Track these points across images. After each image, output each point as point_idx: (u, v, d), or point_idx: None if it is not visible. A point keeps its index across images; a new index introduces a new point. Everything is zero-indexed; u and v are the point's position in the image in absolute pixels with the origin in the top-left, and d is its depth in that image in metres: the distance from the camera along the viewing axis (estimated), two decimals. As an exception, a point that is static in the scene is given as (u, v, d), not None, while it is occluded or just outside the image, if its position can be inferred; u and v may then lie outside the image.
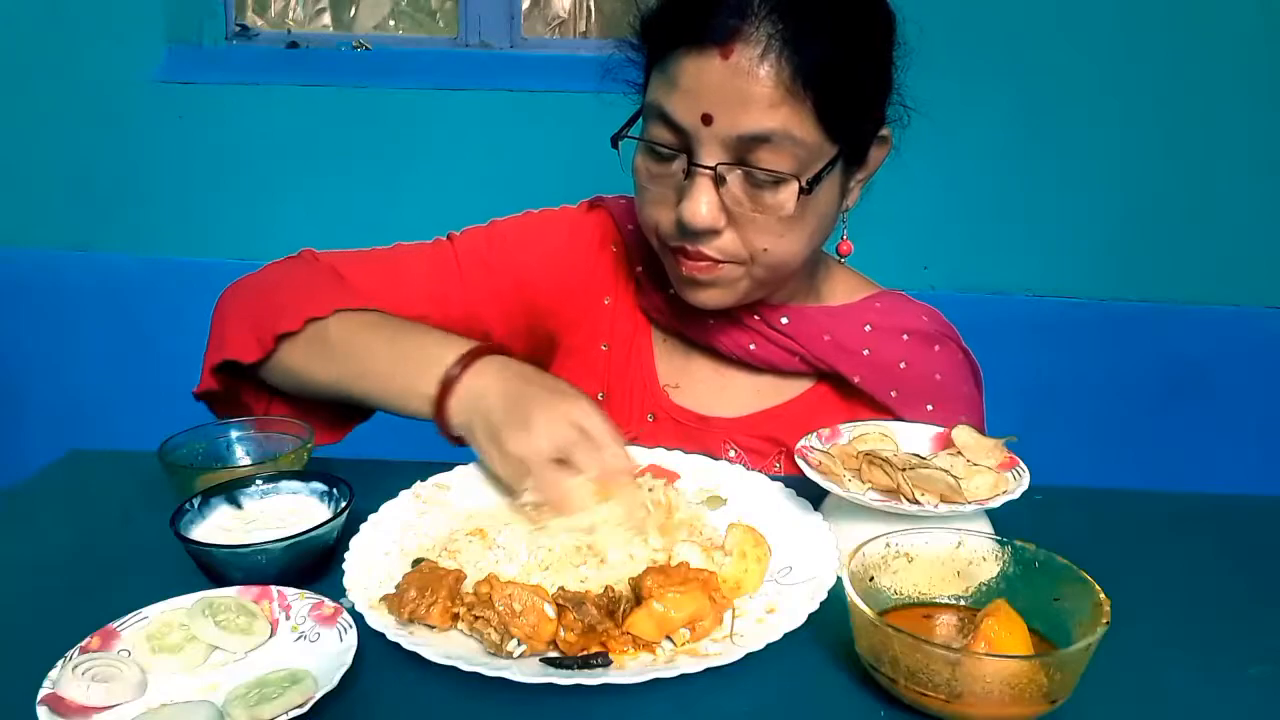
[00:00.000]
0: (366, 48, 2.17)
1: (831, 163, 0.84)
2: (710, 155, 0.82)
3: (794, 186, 0.82)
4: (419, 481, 0.81)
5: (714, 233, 0.85)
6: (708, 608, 0.63)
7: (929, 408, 0.98)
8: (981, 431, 0.80)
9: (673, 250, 0.89)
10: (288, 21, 2.33)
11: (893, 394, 0.98)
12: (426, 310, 0.96)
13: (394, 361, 0.86)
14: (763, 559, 0.70)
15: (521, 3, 2.13)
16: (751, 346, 0.98)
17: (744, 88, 0.79)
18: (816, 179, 0.83)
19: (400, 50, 2.19)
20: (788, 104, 0.80)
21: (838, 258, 1.03)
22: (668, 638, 0.62)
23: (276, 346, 0.90)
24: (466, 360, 0.81)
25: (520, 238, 1.03)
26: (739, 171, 0.82)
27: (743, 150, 0.81)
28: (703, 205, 0.83)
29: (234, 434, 0.87)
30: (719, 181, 0.83)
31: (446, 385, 0.81)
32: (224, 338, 0.92)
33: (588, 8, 2.31)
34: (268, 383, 0.95)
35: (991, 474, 0.73)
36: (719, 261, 0.87)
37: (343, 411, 0.97)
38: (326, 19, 2.37)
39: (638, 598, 0.63)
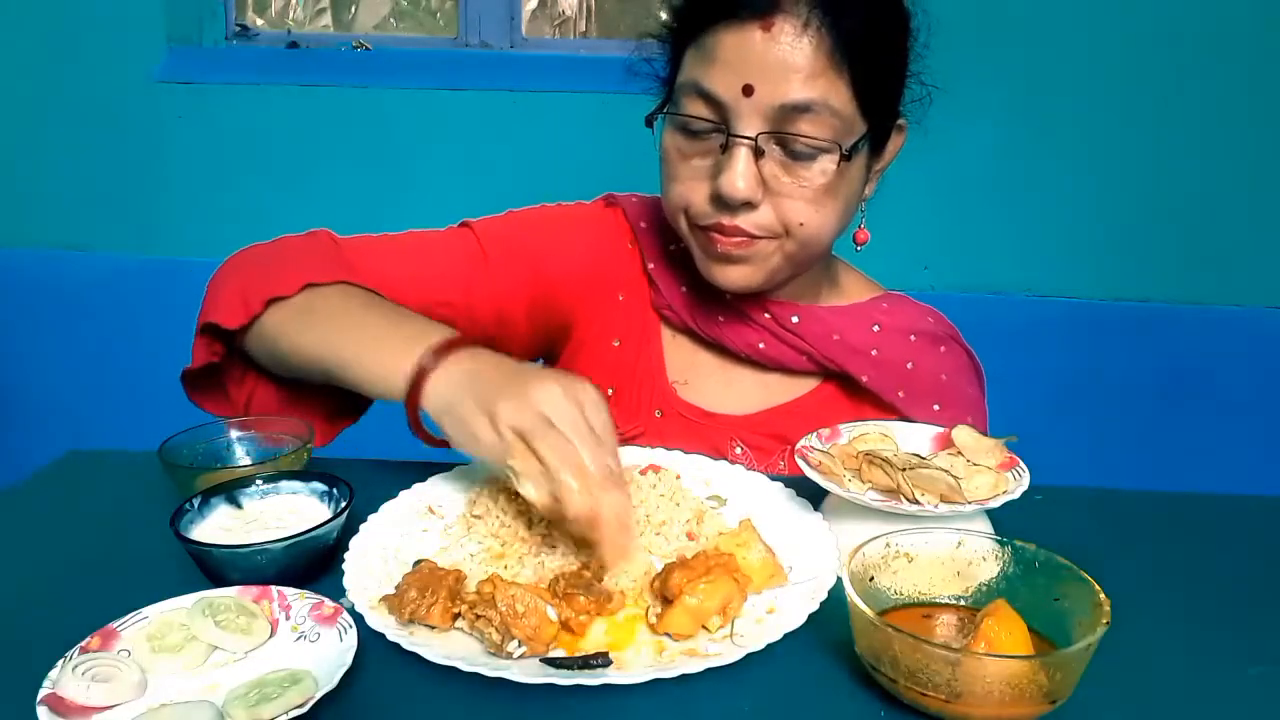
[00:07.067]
0: (366, 48, 2.17)
1: (862, 139, 0.86)
2: (750, 126, 0.84)
3: (833, 156, 0.84)
4: (418, 483, 0.80)
5: (750, 206, 0.86)
6: (735, 590, 0.64)
7: (935, 408, 0.99)
8: (984, 432, 0.80)
9: (704, 228, 0.89)
10: (288, 21, 2.33)
11: (900, 394, 0.99)
12: (451, 295, 0.95)
13: (379, 337, 0.81)
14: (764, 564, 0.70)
15: (522, 3, 2.14)
16: (761, 345, 0.99)
17: (785, 58, 0.81)
18: (854, 149, 0.85)
19: (400, 50, 2.19)
20: (827, 75, 0.82)
21: (855, 247, 1.02)
22: (703, 627, 0.63)
23: (264, 311, 0.87)
24: (444, 348, 0.76)
25: (540, 228, 1.03)
26: (777, 143, 0.84)
27: (782, 121, 0.83)
28: (740, 177, 0.84)
29: (234, 434, 0.87)
30: (758, 153, 0.84)
31: (422, 371, 0.75)
32: (215, 302, 0.89)
33: (588, 8, 2.31)
34: (249, 360, 0.92)
35: (991, 474, 0.73)
36: (754, 237, 0.87)
37: (328, 412, 0.95)
38: (326, 19, 2.38)
39: (666, 598, 0.63)
